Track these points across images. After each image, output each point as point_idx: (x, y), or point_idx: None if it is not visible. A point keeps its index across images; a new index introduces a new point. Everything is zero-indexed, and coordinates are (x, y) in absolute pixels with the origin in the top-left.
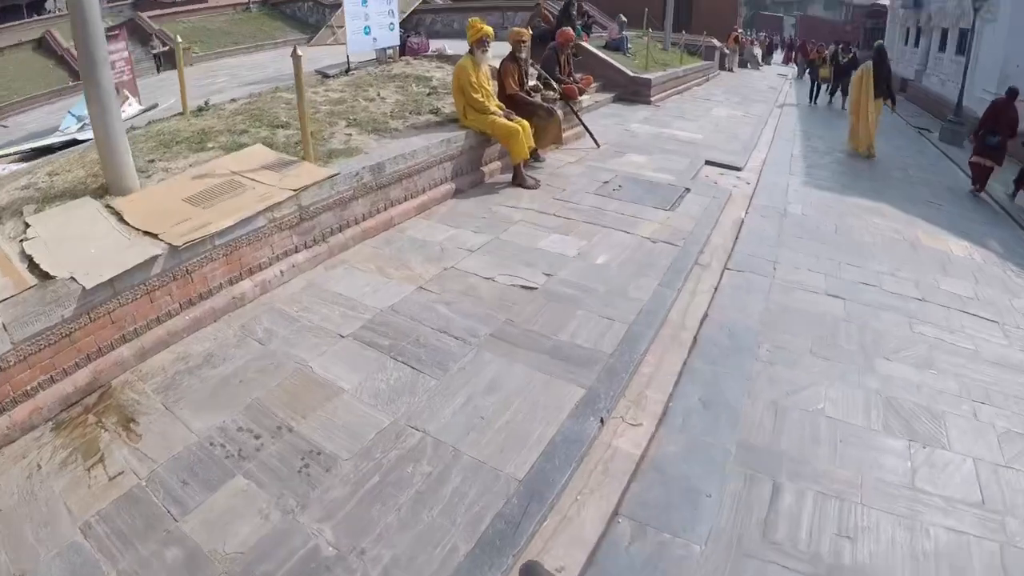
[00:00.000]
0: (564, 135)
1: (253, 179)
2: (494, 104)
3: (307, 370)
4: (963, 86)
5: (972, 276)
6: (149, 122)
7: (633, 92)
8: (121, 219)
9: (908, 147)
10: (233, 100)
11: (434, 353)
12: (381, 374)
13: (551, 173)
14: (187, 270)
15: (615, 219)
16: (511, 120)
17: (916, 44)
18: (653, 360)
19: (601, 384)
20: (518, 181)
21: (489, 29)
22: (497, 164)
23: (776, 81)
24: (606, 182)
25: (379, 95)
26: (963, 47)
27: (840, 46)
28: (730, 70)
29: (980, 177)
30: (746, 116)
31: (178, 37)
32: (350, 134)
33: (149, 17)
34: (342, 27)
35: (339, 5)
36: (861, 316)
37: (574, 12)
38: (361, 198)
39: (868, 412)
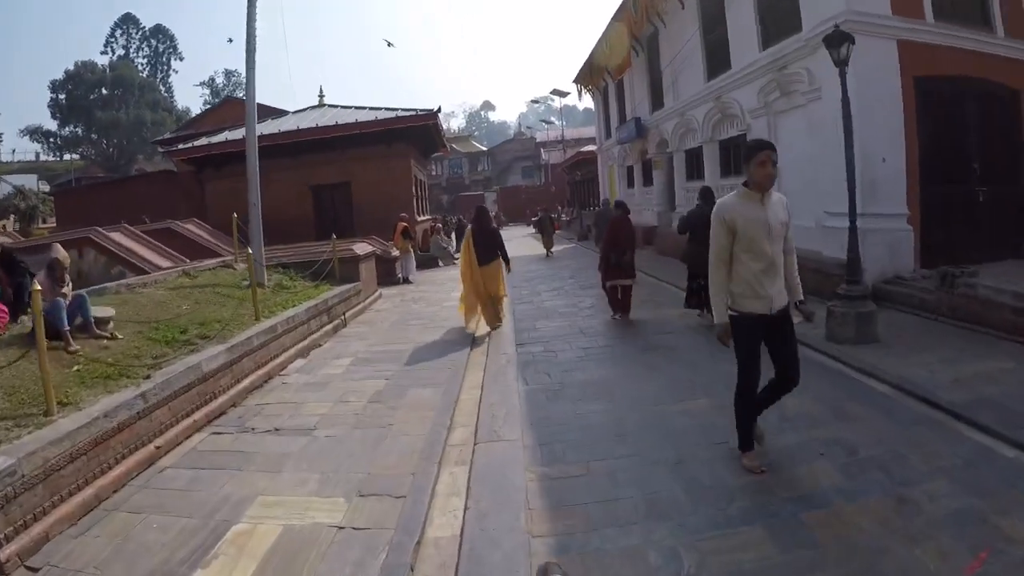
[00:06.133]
0: None
1: None
2: None
3: None
4: (854, 226)
5: None
6: None
7: None
8: None
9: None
10: None
11: None
12: None
13: None
14: None
15: None
16: None
17: (648, 183)
18: None
19: None
20: None
21: None
22: None
23: None
24: None
25: None
26: (738, 166)
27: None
28: (405, 280)
29: (624, 301)
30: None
31: None
32: None
33: None
34: None
35: None
36: None
37: None
38: None
39: None
